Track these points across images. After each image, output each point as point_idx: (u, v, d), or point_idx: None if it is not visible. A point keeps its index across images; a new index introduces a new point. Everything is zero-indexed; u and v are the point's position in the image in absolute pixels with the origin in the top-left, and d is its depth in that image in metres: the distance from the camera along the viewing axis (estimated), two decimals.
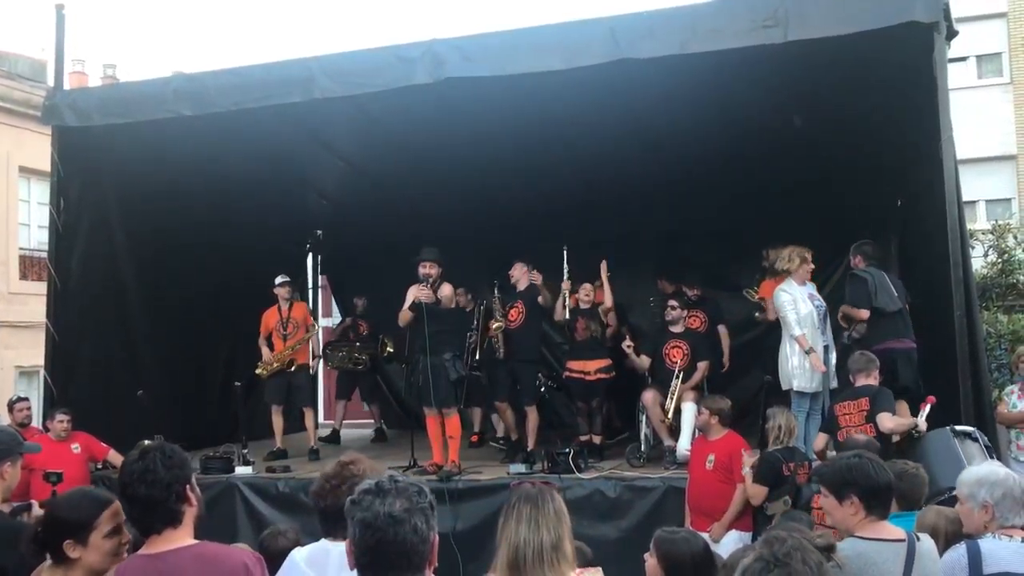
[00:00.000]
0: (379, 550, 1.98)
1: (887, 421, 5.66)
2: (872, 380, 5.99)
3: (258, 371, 9.33)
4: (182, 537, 2.58)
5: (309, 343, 9.75)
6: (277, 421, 9.25)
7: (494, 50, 6.99)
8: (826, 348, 7.20)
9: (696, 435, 6.99)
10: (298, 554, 3.19)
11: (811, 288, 7.36)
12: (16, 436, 3.77)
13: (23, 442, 3.80)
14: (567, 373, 8.52)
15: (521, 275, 8.57)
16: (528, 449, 8.31)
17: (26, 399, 8.84)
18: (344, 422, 10.84)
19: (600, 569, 3.23)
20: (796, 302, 7.10)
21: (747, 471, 5.95)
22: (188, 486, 2.63)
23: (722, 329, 9.10)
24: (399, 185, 9.89)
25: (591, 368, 8.28)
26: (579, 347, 8.39)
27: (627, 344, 8.21)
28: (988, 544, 3.25)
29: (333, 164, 9.91)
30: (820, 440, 6.26)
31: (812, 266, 7.41)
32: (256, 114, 7.67)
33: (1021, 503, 3.32)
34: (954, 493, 3.69)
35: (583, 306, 8.39)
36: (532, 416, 8.54)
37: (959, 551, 3.24)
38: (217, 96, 7.65)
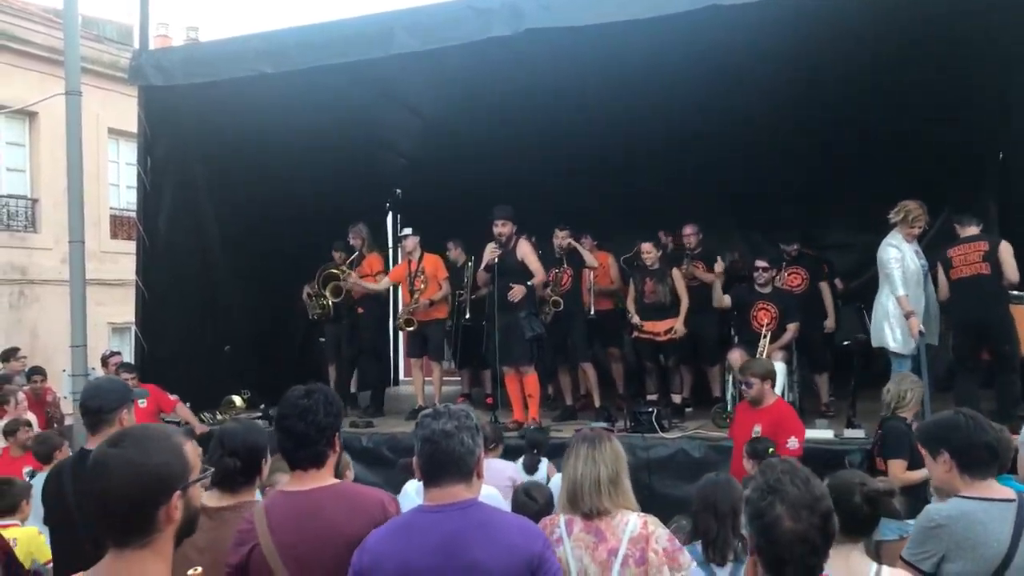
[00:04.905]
0: (435, 458, 2.51)
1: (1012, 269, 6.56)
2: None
3: (398, 321, 9.28)
4: (324, 477, 2.77)
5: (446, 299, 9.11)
6: (416, 375, 9.12)
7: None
8: (926, 308, 6.84)
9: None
10: (411, 486, 4.00)
11: (917, 246, 6.91)
12: (126, 384, 3.87)
13: (132, 390, 3.91)
14: (636, 334, 8.40)
15: (564, 241, 8.54)
16: (597, 405, 8.39)
17: (119, 353, 9.14)
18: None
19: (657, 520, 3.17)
20: (904, 259, 6.69)
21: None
22: (337, 434, 2.83)
23: (824, 287, 8.66)
24: (476, 142, 9.81)
25: (661, 329, 8.21)
26: (648, 308, 8.28)
27: (718, 270, 8.12)
28: None
29: (411, 121, 9.87)
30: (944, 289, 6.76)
31: (922, 225, 6.89)
32: (335, 71, 7.66)
33: None
34: None
35: (651, 266, 8.26)
36: (591, 372, 8.59)
37: None
38: (297, 54, 7.65)
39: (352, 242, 9.15)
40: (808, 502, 2.05)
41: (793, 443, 5.68)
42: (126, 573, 1.81)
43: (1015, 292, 6.86)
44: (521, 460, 5.89)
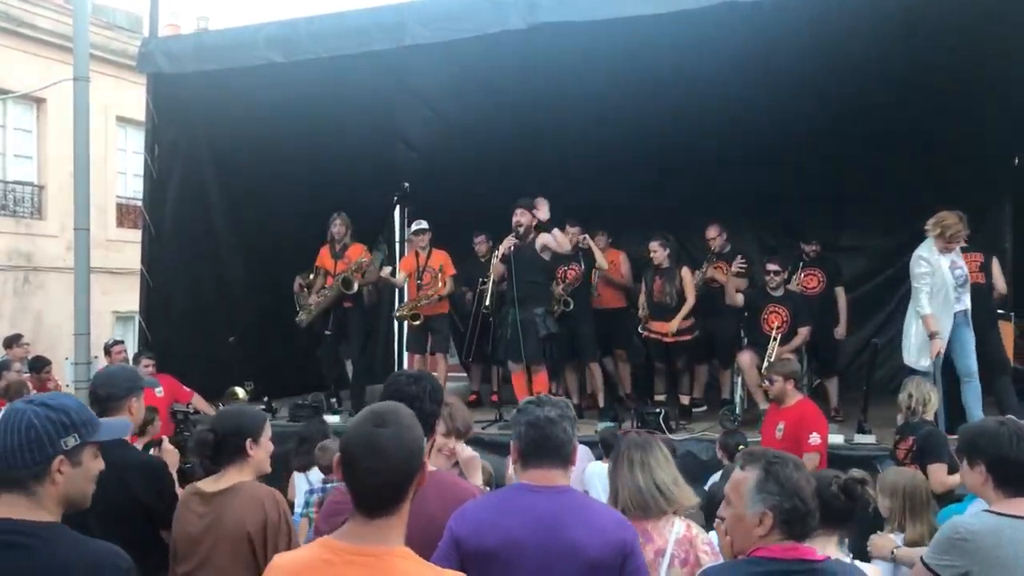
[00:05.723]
0: (539, 443, 2.66)
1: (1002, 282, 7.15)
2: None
3: (396, 314, 9.23)
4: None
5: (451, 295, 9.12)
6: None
7: None
8: (964, 313, 6.59)
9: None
10: None
11: (955, 255, 6.58)
12: (136, 372, 3.87)
13: (143, 378, 3.93)
14: (646, 333, 8.34)
15: (576, 237, 8.47)
16: (600, 406, 8.31)
17: (122, 342, 9.05)
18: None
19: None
20: (934, 273, 6.44)
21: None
22: (437, 420, 2.99)
23: (840, 291, 8.54)
24: (487, 136, 9.68)
25: (667, 330, 8.12)
26: (657, 308, 8.22)
27: (740, 263, 8.04)
28: None
29: (422, 114, 9.78)
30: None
31: (961, 240, 6.57)
32: (346, 61, 7.59)
33: None
34: None
35: (661, 265, 8.22)
36: (597, 372, 8.56)
37: None
38: (308, 43, 7.58)
39: (337, 231, 8.88)
40: (805, 469, 2.40)
41: (815, 438, 5.71)
42: (376, 539, 1.99)
43: (1000, 310, 7.36)
44: None
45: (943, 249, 6.49)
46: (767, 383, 6.24)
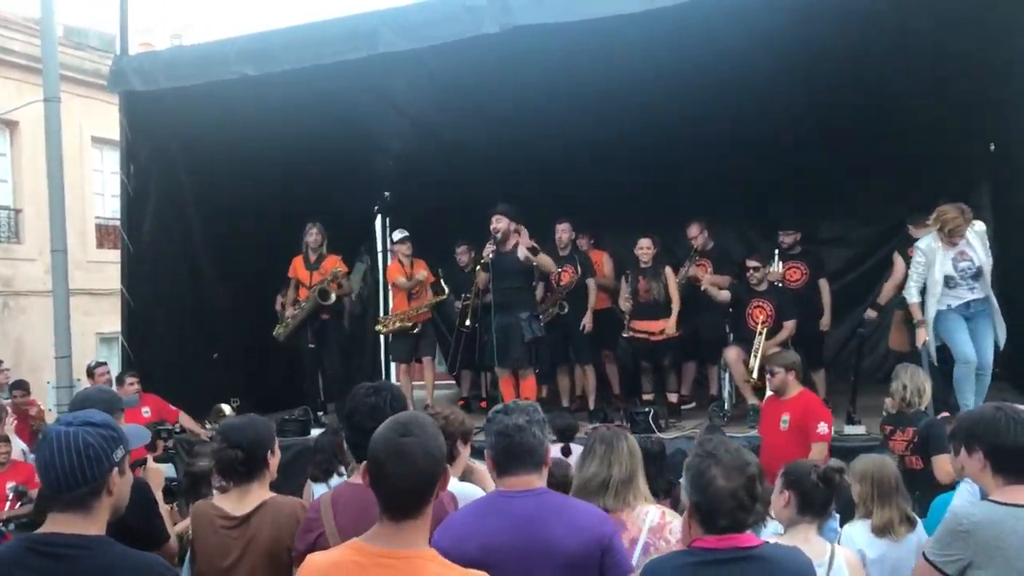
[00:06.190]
0: (510, 451, 2.71)
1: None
2: None
3: (377, 327, 9.24)
4: None
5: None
6: (405, 382, 8.85)
7: None
8: (983, 301, 6.40)
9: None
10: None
11: (964, 246, 6.35)
12: (115, 393, 3.86)
13: (122, 398, 3.90)
14: (631, 333, 8.30)
15: (567, 236, 8.49)
16: (591, 408, 8.29)
17: (104, 363, 8.93)
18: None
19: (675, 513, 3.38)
20: (929, 265, 6.35)
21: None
22: None
23: (823, 284, 8.47)
24: (467, 142, 9.64)
25: (655, 328, 8.12)
26: (642, 308, 8.19)
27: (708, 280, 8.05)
28: None
29: (399, 123, 9.71)
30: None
31: (963, 234, 6.32)
32: (320, 72, 7.50)
33: None
34: None
35: (643, 265, 8.17)
36: (591, 374, 8.56)
37: None
38: (280, 54, 7.51)
39: (312, 240, 8.79)
40: (738, 465, 2.39)
41: (823, 428, 5.79)
42: (403, 541, 2.12)
43: None
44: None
45: (945, 243, 6.33)
46: (768, 375, 6.22)
